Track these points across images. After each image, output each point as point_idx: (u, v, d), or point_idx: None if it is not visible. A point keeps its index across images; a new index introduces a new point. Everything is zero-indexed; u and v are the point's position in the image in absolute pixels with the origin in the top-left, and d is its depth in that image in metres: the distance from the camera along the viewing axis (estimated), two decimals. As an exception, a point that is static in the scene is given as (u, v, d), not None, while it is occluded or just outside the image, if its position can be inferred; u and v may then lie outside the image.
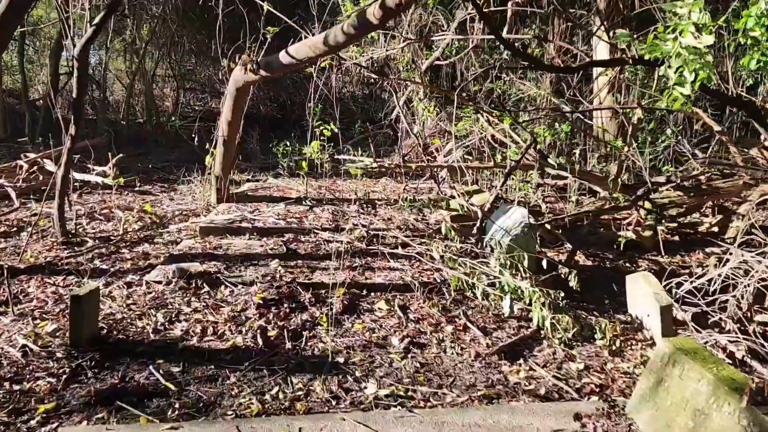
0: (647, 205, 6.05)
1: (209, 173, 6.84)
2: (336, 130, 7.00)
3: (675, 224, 6.17)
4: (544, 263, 4.45)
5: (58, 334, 3.60)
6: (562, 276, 4.08)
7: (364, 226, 5.69)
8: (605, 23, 8.87)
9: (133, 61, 14.61)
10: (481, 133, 6.88)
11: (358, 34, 5.05)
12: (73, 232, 5.74)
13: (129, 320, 3.82)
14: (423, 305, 4.21)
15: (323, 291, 4.32)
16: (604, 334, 3.68)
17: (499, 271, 4.15)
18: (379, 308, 4.15)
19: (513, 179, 7.28)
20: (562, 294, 3.93)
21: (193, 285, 4.35)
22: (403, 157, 9.34)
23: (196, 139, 9.71)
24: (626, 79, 8.73)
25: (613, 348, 3.63)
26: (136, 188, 8.22)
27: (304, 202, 6.67)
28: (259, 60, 5.59)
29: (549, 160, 6.14)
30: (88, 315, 3.49)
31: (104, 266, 4.90)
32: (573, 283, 3.98)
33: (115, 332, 3.65)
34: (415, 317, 4.04)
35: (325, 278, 4.47)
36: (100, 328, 3.65)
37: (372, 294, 4.37)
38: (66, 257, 5.07)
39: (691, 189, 6.38)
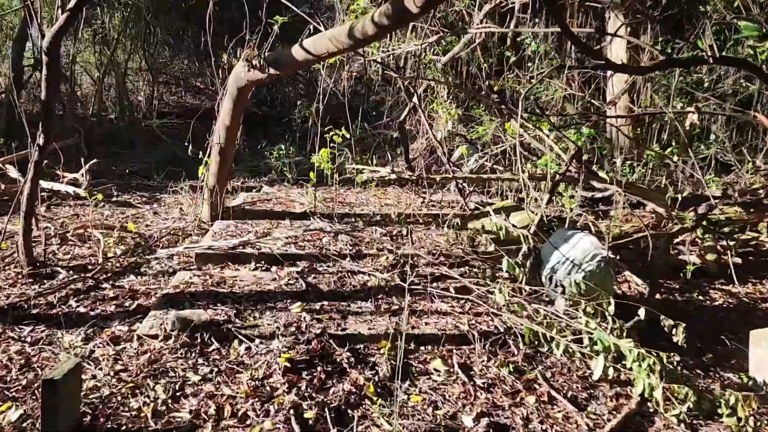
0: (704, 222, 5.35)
1: (203, 183, 5.91)
2: (348, 136, 6.13)
3: (736, 243, 5.46)
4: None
5: (26, 424, 2.70)
6: (665, 328, 3.30)
7: (390, 251, 4.85)
8: (627, 18, 8.16)
9: (104, 52, 13.44)
10: (515, 139, 6.08)
11: (391, 25, 4.19)
12: (42, 259, 4.78)
13: (120, 398, 2.92)
14: (488, 364, 3.40)
15: (362, 345, 3.49)
16: (734, 409, 2.91)
17: (586, 323, 3.35)
18: (435, 369, 3.33)
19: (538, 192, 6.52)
20: (677, 358, 3.15)
21: (199, 340, 3.45)
22: (410, 162, 8.53)
23: (187, 138, 8.74)
24: (650, 79, 8.04)
25: (748, 430, 2.87)
26: (113, 198, 7.23)
27: (313, 219, 5.80)
28: (266, 55, 4.69)
29: (597, 171, 5.38)
30: (66, 401, 2.59)
31: (82, 308, 3.98)
32: (680, 338, 3.20)
33: (102, 418, 2.75)
34: (483, 383, 3.22)
35: (362, 327, 3.62)
36: (82, 414, 2.74)
37: (422, 348, 3.54)
38: (34, 296, 4.13)
39: (751, 204, 5.70)
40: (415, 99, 5.71)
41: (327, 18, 11.03)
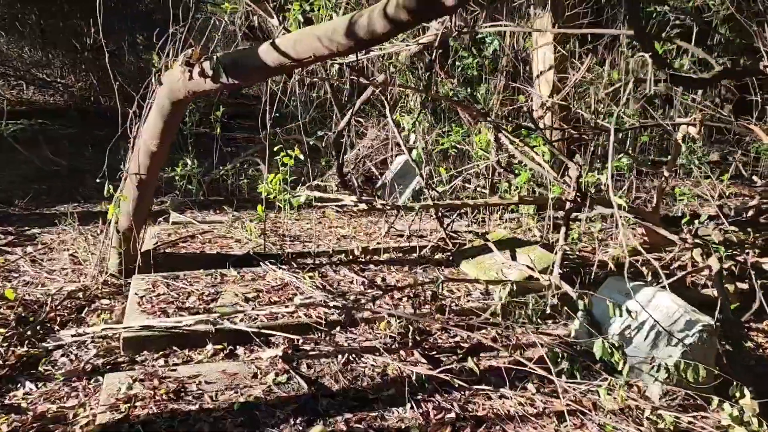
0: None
1: (113, 224, 4.36)
2: (301, 157, 4.87)
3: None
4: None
5: None
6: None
7: (390, 314, 3.72)
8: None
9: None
10: (499, 155, 5.18)
11: (411, 21, 3.06)
12: None
13: None
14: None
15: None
16: None
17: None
18: None
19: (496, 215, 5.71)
20: None
21: None
22: (343, 177, 7.38)
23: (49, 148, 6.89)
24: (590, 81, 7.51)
25: None
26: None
27: (264, 264, 4.50)
28: (220, 57, 3.34)
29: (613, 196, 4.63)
30: None
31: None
32: None
33: None
34: None
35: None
36: None
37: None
38: None
39: (749, 223, 5.28)
40: (387, 110, 4.62)
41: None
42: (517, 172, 5.57)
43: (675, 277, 3.95)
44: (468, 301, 4.02)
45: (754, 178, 5.85)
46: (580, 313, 3.43)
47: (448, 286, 4.27)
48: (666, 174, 5.26)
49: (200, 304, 3.78)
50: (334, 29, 3.12)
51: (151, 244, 4.87)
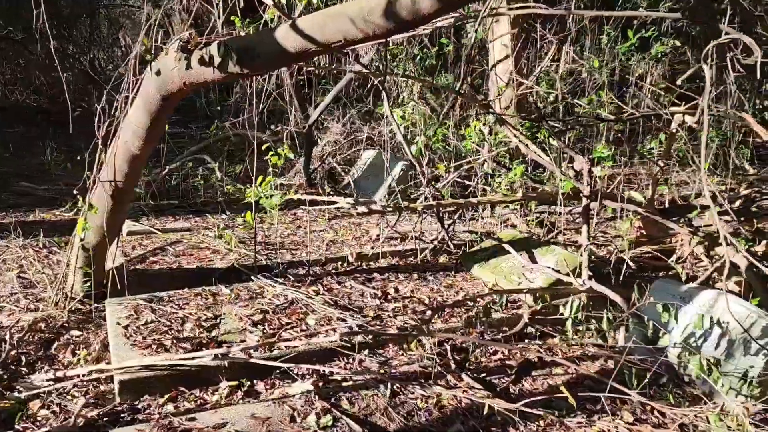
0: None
1: (77, 240, 3.69)
2: (291, 156, 4.37)
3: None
4: None
5: None
6: None
7: (418, 330, 3.31)
8: None
9: None
10: (497, 149, 4.86)
11: None
12: None
13: None
14: None
15: None
16: None
17: None
18: None
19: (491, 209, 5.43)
20: None
21: None
22: (309, 174, 6.89)
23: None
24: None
25: None
26: None
27: (257, 278, 3.97)
28: (226, 41, 2.80)
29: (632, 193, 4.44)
30: None
31: None
32: None
33: None
34: None
35: None
36: None
37: None
38: None
39: (740, 212, 5.26)
40: (385, 101, 4.18)
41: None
42: (509, 166, 5.30)
43: (704, 276, 3.80)
44: (495, 311, 3.68)
45: (746, 166, 5.89)
46: (630, 321, 3.17)
47: (472, 293, 3.92)
48: (661, 164, 5.15)
49: (201, 333, 3.24)
50: (370, 8, 2.67)
51: (119, 261, 4.22)
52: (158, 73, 2.89)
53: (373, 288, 3.96)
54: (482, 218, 5.25)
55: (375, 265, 4.46)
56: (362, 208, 4.23)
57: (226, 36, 2.87)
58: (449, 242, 4.62)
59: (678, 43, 6.62)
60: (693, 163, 5.44)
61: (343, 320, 3.43)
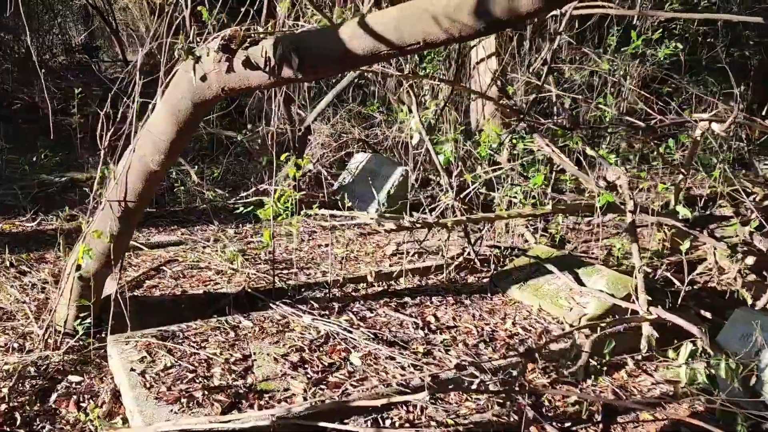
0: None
1: (71, 267, 3.14)
2: (311, 168, 3.91)
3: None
4: None
5: None
6: None
7: (484, 374, 2.95)
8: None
9: None
10: (520, 158, 4.53)
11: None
12: None
13: None
14: None
15: None
16: None
17: None
18: None
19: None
20: None
21: None
22: (297, 180, 6.40)
23: None
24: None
25: None
26: None
27: (277, 306, 3.51)
28: (281, 39, 2.34)
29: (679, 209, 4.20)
30: None
31: None
32: None
33: None
34: None
35: None
36: None
37: None
38: None
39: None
40: (415, 106, 3.77)
41: None
42: (526, 174, 5.00)
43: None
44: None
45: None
46: (711, 356, 2.91)
47: (520, 320, 3.58)
48: (684, 172, 4.97)
49: (234, 380, 2.77)
50: (457, 4, 2.27)
51: (113, 287, 3.67)
52: (204, 78, 2.40)
53: (410, 315, 3.56)
54: (491, 230, 4.91)
55: (400, 286, 4.06)
56: (390, 225, 3.82)
57: (278, 33, 2.41)
58: (476, 259, 4.28)
59: (680, 46, 6.49)
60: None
61: (392, 358, 3.03)
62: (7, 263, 4.29)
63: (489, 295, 3.93)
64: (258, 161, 6.97)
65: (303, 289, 3.89)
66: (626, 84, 5.88)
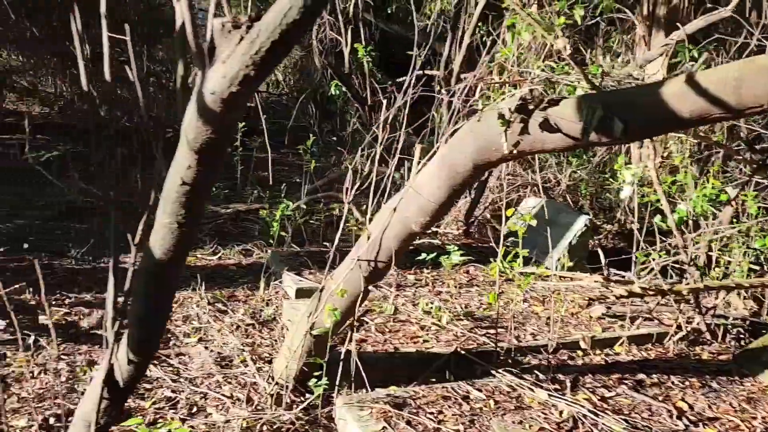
0: None
1: (307, 320, 3.02)
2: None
3: None
4: None
5: None
6: None
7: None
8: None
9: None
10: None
11: None
12: None
13: None
14: None
15: None
16: None
17: None
18: None
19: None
20: None
21: None
22: (469, 223, 6.17)
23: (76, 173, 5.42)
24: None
25: None
26: None
27: (498, 374, 3.22)
28: (599, 98, 2.07)
29: None
30: None
31: None
32: None
33: None
34: None
35: None
36: None
37: None
38: None
39: None
40: (652, 164, 3.43)
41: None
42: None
43: None
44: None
45: None
46: None
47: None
48: None
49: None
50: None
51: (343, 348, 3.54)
52: (512, 140, 2.18)
53: (655, 398, 3.14)
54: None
55: (620, 357, 3.66)
56: (620, 291, 3.43)
57: (587, 94, 2.15)
58: (708, 332, 3.79)
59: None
60: None
61: (660, 455, 2.64)
62: (206, 300, 4.33)
63: (737, 378, 3.43)
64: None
65: (517, 354, 3.59)
66: None
